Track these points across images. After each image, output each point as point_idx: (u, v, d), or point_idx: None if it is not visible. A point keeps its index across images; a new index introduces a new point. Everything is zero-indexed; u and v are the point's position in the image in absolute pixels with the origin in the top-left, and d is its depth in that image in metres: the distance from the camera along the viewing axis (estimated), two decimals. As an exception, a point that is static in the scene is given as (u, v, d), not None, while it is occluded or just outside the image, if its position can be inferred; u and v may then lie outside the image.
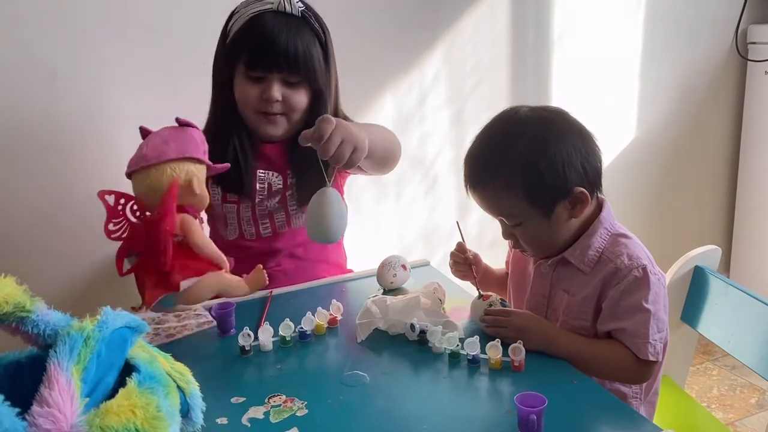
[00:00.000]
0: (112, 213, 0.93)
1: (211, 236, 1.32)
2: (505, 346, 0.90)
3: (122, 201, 0.94)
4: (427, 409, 0.83)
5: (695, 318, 1.24)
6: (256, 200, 1.26)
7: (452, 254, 1.18)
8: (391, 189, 1.87)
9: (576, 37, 1.98)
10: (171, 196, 0.93)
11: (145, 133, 1.00)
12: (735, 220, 2.37)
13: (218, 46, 1.22)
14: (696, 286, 1.24)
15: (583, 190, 0.97)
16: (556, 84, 1.99)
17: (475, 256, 1.17)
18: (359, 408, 0.83)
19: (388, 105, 1.80)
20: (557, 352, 0.94)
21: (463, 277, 1.18)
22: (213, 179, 1.23)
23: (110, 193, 0.93)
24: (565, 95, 1.99)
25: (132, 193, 0.98)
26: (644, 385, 1.04)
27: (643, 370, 0.96)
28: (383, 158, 1.22)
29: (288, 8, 1.15)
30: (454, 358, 0.92)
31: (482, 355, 0.91)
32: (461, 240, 1.16)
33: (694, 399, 1.35)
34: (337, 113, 1.26)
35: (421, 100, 1.84)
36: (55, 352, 0.59)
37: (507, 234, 1.04)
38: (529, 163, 0.96)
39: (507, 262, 1.22)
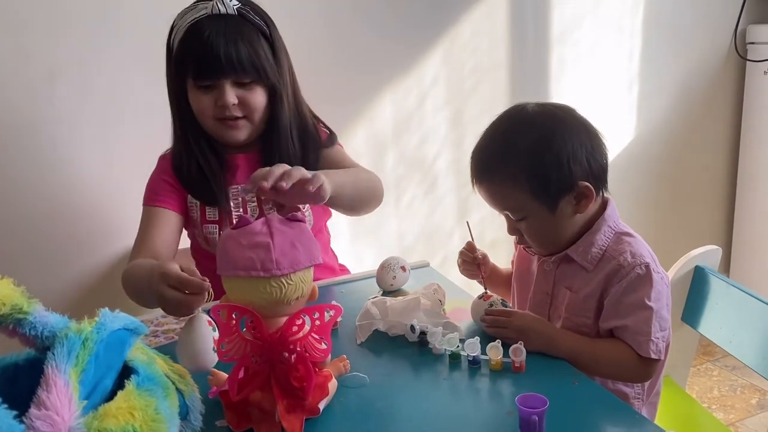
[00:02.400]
0: (226, 330, 0.75)
1: (195, 249, 1.32)
2: (505, 347, 0.90)
3: (235, 315, 0.75)
4: (427, 410, 0.82)
5: (696, 318, 1.24)
6: (233, 217, 1.24)
7: (461, 253, 1.17)
8: (391, 190, 1.87)
9: (575, 38, 1.98)
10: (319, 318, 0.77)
11: (244, 222, 0.79)
12: (735, 220, 2.37)
13: (166, 63, 1.19)
14: (696, 287, 1.24)
15: (588, 184, 0.97)
16: (555, 84, 1.99)
17: (484, 256, 1.17)
18: (359, 409, 0.83)
19: (387, 106, 1.80)
20: (558, 352, 0.93)
21: (470, 276, 1.18)
22: (190, 194, 1.23)
23: (223, 307, 0.75)
24: (564, 96, 1.99)
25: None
26: (646, 385, 1.04)
27: (644, 368, 0.96)
28: (356, 201, 1.19)
29: (222, 9, 1.12)
30: (455, 359, 0.92)
31: (483, 356, 0.90)
32: (471, 239, 1.15)
33: (695, 400, 1.35)
34: (298, 104, 1.24)
35: (421, 102, 1.84)
36: (53, 354, 0.59)
37: (512, 229, 1.04)
38: (534, 156, 0.96)
39: (513, 262, 1.22)
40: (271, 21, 1.19)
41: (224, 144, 1.22)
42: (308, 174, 0.89)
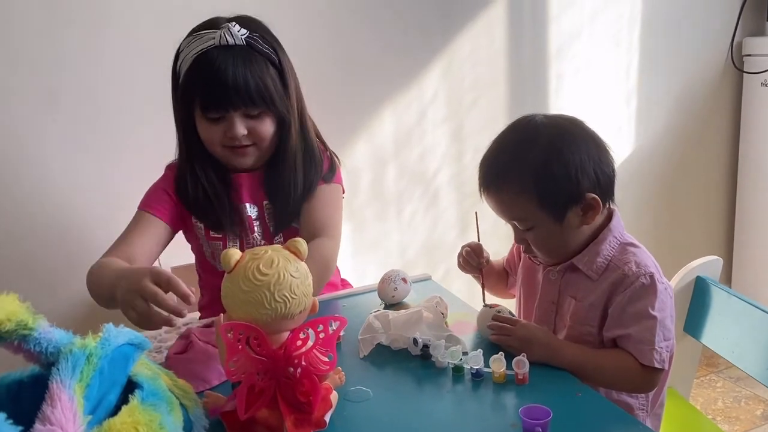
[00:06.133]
0: (233, 349, 0.75)
1: (199, 263, 1.33)
2: (508, 359, 0.90)
3: (241, 333, 0.74)
4: (431, 423, 0.82)
5: (698, 329, 1.24)
6: (242, 236, 1.23)
7: (467, 252, 1.16)
8: (392, 205, 1.88)
9: (572, 52, 2.00)
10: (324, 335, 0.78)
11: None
12: (735, 231, 2.37)
13: (172, 87, 1.18)
14: (698, 297, 1.24)
15: (595, 196, 0.98)
16: (553, 99, 2.01)
17: (488, 260, 1.16)
18: (363, 423, 0.83)
19: (387, 121, 1.81)
20: (561, 363, 0.93)
21: (466, 271, 1.18)
22: (195, 216, 1.22)
23: (229, 326, 0.74)
24: (563, 110, 2.00)
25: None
26: (651, 396, 1.04)
27: (648, 377, 0.96)
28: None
29: (230, 41, 1.09)
30: (458, 372, 0.92)
31: (486, 369, 0.90)
32: (477, 235, 1.13)
33: (700, 411, 1.34)
34: (304, 128, 1.22)
35: (421, 116, 1.85)
36: (58, 369, 0.59)
37: (519, 239, 1.05)
38: (543, 167, 0.97)
39: (507, 260, 1.23)
40: (280, 46, 1.17)
41: (230, 167, 1.22)
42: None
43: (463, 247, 1.17)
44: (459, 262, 1.18)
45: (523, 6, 1.90)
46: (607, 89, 2.08)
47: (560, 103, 2.01)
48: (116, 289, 0.88)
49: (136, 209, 1.21)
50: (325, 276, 1.15)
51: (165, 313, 0.81)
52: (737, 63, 2.21)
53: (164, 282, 0.82)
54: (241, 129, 1.13)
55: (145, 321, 0.83)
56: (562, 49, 1.98)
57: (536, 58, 1.96)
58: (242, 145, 1.16)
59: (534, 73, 1.97)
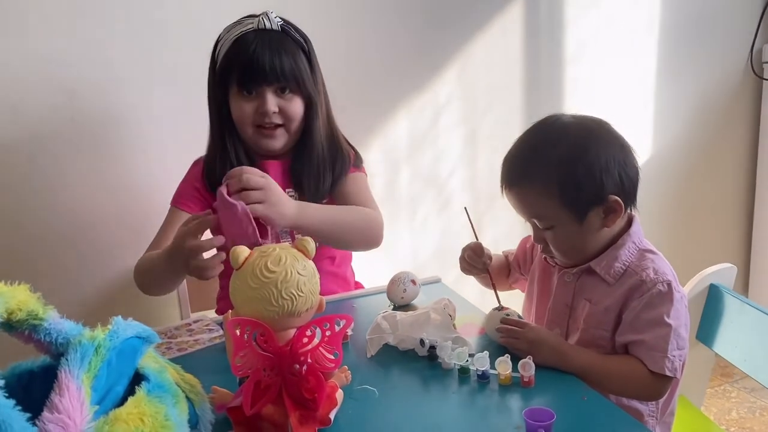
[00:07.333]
0: (240, 345, 0.75)
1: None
2: (514, 361, 0.89)
3: (248, 329, 0.75)
4: (436, 424, 0.82)
5: (711, 337, 1.23)
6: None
7: (468, 255, 1.16)
8: (405, 208, 1.88)
9: (588, 56, 1.99)
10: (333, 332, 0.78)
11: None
12: (753, 239, 2.34)
13: (209, 74, 1.25)
14: (711, 305, 1.23)
15: (618, 199, 0.98)
16: (569, 103, 2.00)
17: (490, 258, 1.16)
18: (368, 422, 0.83)
19: (402, 124, 1.81)
20: (569, 367, 0.93)
21: (469, 273, 1.18)
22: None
23: (237, 322, 0.74)
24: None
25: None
26: (661, 404, 1.03)
27: (658, 385, 0.95)
28: (337, 239, 1.22)
29: (268, 24, 1.19)
30: (464, 373, 0.92)
31: (492, 371, 0.90)
32: (473, 230, 1.13)
33: (712, 420, 1.33)
34: (330, 119, 1.30)
35: (435, 120, 1.85)
36: (67, 359, 0.61)
37: (538, 238, 1.05)
38: (568, 166, 0.97)
39: (516, 256, 1.23)
40: (310, 40, 1.25)
41: (260, 152, 1.27)
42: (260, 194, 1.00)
43: (463, 249, 1.17)
44: (462, 265, 1.18)
45: (540, 10, 1.90)
46: (623, 95, 2.07)
47: (576, 108, 1.99)
48: (171, 260, 1.01)
49: (169, 204, 1.27)
50: (371, 229, 1.24)
51: (211, 259, 0.97)
52: (757, 70, 2.19)
53: (195, 230, 0.98)
54: (272, 105, 1.19)
55: (205, 270, 0.97)
56: (578, 54, 1.97)
57: (552, 62, 1.95)
58: (273, 124, 1.22)
59: (549, 78, 1.96)
